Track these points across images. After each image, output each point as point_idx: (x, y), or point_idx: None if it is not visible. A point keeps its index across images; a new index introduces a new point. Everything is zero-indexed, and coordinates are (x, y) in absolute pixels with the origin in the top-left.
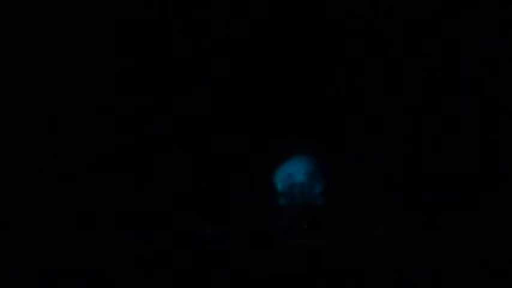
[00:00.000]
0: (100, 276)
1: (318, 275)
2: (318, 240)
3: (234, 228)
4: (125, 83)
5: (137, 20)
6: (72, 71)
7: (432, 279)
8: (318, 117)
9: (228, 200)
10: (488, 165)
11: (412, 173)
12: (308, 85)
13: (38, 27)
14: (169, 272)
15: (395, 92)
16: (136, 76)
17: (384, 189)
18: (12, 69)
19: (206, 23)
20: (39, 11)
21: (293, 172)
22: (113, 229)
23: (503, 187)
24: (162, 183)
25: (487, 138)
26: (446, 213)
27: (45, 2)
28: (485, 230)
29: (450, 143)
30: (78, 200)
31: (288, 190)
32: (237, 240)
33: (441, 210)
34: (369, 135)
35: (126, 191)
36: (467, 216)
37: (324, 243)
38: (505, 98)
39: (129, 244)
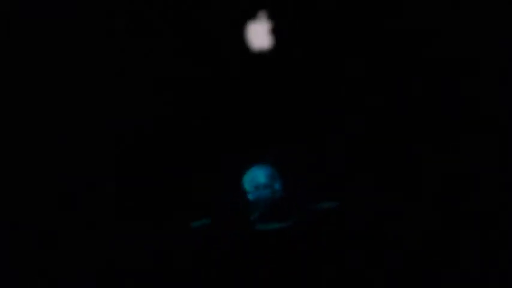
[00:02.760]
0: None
1: (285, 253)
2: (282, 225)
3: (218, 219)
4: (124, 83)
5: (137, 21)
6: (71, 72)
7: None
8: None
9: (211, 197)
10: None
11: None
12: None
13: (38, 27)
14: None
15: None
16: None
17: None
18: (12, 69)
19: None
20: (39, 11)
21: (257, 175)
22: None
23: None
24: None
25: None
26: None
27: (45, 2)
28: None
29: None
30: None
31: (254, 189)
32: (221, 228)
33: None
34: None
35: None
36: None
37: (287, 226)
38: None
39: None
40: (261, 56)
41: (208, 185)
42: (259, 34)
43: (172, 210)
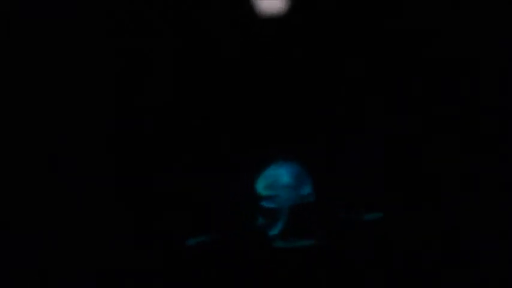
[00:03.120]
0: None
1: (315, 280)
2: (309, 241)
3: (221, 234)
4: (123, 84)
5: (137, 20)
6: (71, 72)
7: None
8: (300, 123)
9: (212, 205)
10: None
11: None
12: (289, 90)
13: (38, 27)
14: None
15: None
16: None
17: (365, 183)
18: (12, 69)
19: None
20: (39, 11)
21: (279, 174)
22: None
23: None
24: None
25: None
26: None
27: (45, 2)
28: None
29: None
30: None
31: (274, 193)
32: (225, 246)
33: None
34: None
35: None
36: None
37: (316, 243)
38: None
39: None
40: (272, 21)
41: (213, 188)
42: None
43: (167, 221)
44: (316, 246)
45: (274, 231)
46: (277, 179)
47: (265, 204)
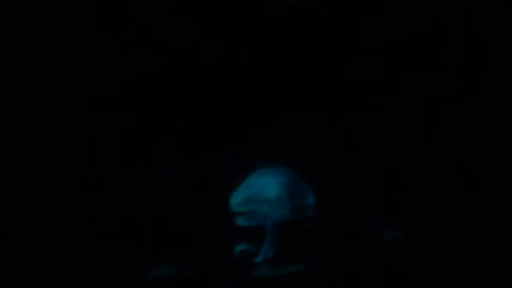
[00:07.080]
0: None
1: None
2: (306, 265)
3: (193, 263)
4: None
5: (137, 20)
6: (71, 72)
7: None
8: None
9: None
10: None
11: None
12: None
13: (38, 27)
14: None
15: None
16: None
17: (383, 192)
18: (12, 69)
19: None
20: (39, 11)
21: (263, 185)
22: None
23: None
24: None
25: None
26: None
27: (45, 2)
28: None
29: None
30: None
31: (254, 207)
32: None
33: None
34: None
35: None
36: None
37: (314, 268)
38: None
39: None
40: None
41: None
42: None
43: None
44: (313, 273)
45: (258, 256)
46: (262, 190)
47: (242, 222)
